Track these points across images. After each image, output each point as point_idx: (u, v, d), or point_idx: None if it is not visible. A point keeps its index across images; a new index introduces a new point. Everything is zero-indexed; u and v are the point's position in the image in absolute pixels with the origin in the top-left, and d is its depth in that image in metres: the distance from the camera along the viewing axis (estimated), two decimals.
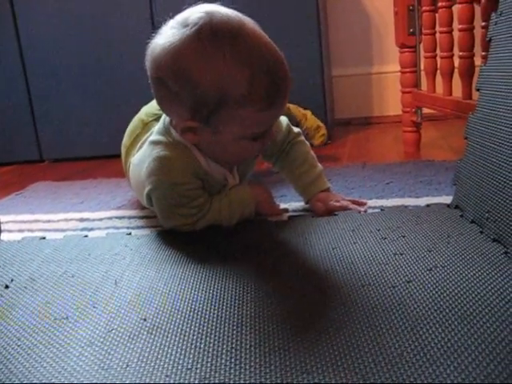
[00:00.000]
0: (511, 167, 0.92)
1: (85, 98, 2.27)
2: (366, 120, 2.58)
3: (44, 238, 1.22)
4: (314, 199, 1.24)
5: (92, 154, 2.30)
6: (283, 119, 1.26)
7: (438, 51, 1.67)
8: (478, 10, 1.44)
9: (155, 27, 1.07)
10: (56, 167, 2.25)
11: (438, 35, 1.65)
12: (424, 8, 1.70)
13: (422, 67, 1.80)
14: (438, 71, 1.68)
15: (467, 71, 1.48)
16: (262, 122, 1.06)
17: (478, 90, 1.11)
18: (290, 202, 1.33)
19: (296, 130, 1.30)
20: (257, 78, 0.99)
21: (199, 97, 1.01)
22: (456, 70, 1.56)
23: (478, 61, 1.44)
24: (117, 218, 1.36)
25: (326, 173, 1.55)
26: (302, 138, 1.30)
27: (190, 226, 1.13)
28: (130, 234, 1.20)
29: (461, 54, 1.49)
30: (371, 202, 1.26)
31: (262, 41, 1.03)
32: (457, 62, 1.54)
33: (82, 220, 1.38)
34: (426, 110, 1.86)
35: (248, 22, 1.04)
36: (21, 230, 1.33)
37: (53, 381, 0.66)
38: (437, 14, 1.65)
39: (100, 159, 2.25)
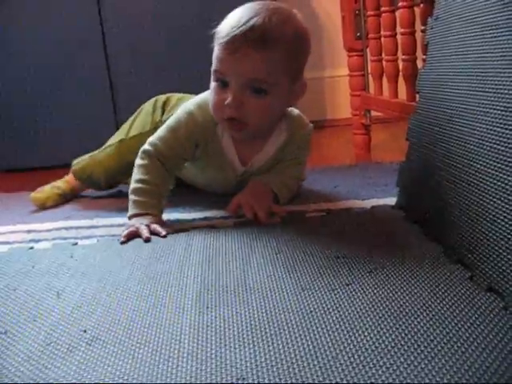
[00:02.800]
0: (447, 168, 0.93)
1: (35, 107, 2.24)
2: (319, 123, 2.59)
3: None
4: (245, 189, 1.28)
5: (45, 164, 2.26)
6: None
7: (383, 55, 1.69)
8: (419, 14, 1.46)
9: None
10: (8, 178, 2.22)
11: (382, 39, 1.67)
12: (369, 13, 1.73)
13: (370, 71, 1.82)
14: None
15: (410, 74, 1.50)
16: (221, 60, 1.15)
17: (417, 92, 1.13)
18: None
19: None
20: (235, 22, 1.11)
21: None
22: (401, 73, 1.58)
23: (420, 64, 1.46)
24: (65, 228, 1.34)
25: None
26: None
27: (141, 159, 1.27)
28: (76, 244, 1.19)
29: (404, 57, 1.51)
30: (317, 206, 1.27)
31: (278, 10, 1.15)
32: (401, 65, 1.56)
33: (29, 231, 1.36)
34: (376, 112, 1.88)
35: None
36: None
37: None
38: (381, 19, 1.67)
39: (54, 169, 2.22)
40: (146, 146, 1.26)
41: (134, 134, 1.49)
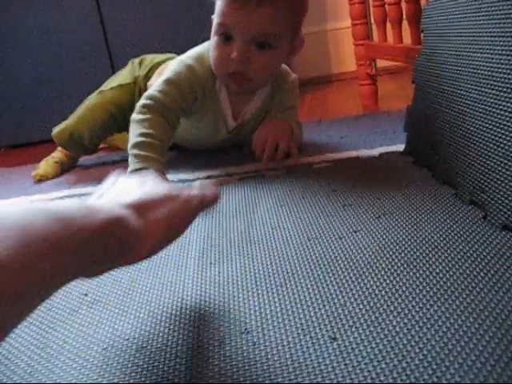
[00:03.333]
0: (457, 106, 0.89)
1: (38, 84, 2.21)
2: (325, 78, 2.54)
3: None
4: (266, 124, 1.29)
5: (48, 137, 2.24)
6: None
7: None
8: None
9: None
10: (11, 154, 2.20)
11: None
12: None
13: (373, 18, 1.76)
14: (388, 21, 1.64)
15: (414, 16, 1.45)
16: (226, 14, 1.13)
17: (422, 31, 1.08)
18: (244, 164, 1.30)
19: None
20: None
21: None
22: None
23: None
24: (68, 196, 1.32)
25: None
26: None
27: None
28: None
29: None
30: (324, 157, 1.23)
31: None
32: (404, 8, 1.51)
33: (32, 202, 1.34)
34: (383, 64, 1.83)
35: None
36: None
37: None
38: None
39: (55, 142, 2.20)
40: (146, 101, 1.21)
41: (114, 85, 1.47)
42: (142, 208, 0.56)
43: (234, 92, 1.25)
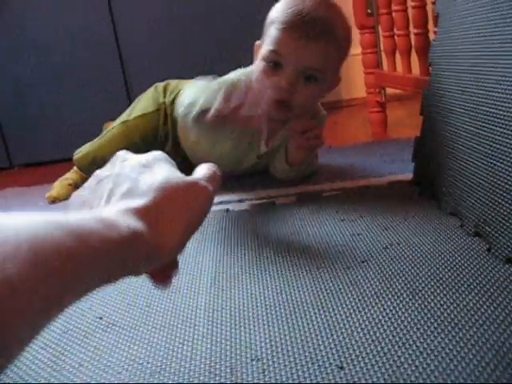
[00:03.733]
0: (463, 140, 0.92)
1: (50, 104, 2.24)
2: (335, 104, 2.57)
3: None
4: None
5: (62, 156, 2.27)
6: None
7: (395, 30, 1.67)
8: None
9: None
10: (26, 172, 2.23)
11: (394, 14, 1.64)
12: None
13: (382, 47, 1.80)
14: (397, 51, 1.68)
15: (423, 48, 1.48)
16: (282, 43, 1.17)
17: (430, 65, 1.11)
18: (256, 190, 1.32)
19: None
20: (298, 10, 1.15)
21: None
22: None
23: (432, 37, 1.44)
24: None
25: None
26: None
27: None
28: None
29: (415, 31, 1.49)
30: (333, 185, 1.25)
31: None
32: (413, 39, 1.54)
33: (44, 215, 1.36)
34: (391, 90, 1.86)
35: None
36: None
37: None
38: None
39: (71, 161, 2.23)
40: None
41: (137, 114, 1.49)
42: (156, 212, 0.53)
43: (273, 119, 1.27)
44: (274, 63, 1.18)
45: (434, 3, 1.31)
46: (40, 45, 2.19)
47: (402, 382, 0.54)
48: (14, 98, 2.24)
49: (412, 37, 1.54)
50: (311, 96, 1.22)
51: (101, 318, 0.78)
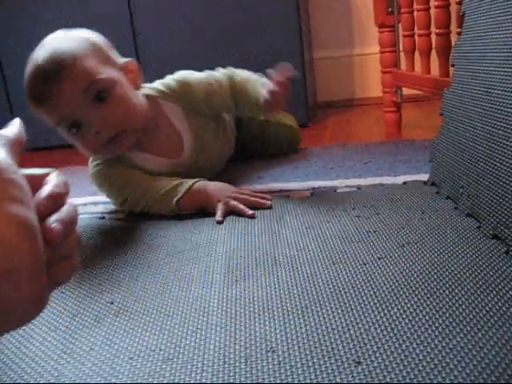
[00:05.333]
0: (485, 142, 0.91)
1: None
2: (348, 102, 2.56)
3: None
4: None
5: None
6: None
7: (416, 29, 1.65)
8: None
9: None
10: (34, 157, 2.22)
11: (415, 13, 1.63)
12: None
13: (401, 47, 1.78)
14: (417, 51, 1.66)
15: (444, 49, 1.46)
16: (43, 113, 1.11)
17: (452, 65, 1.10)
18: (268, 183, 1.31)
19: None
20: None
21: None
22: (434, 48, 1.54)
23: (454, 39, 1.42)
24: (92, 203, 1.34)
25: (305, 153, 1.56)
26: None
27: None
28: (103, 218, 1.18)
29: (437, 31, 1.47)
30: (349, 182, 1.24)
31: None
32: (434, 40, 1.52)
33: None
34: (407, 91, 1.84)
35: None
36: None
37: (13, 367, 0.64)
38: None
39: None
40: None
41: None
42: None
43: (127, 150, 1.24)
44: (70, 126, 1.11)
45: (458, 3, 1.30)
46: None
47: (420, 379, 0.53)
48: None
49: (433, 37, 1.53)
50: (120, 107, 1.12)
51: (112, 303, 0.77)
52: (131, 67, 1.20)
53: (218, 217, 1.07)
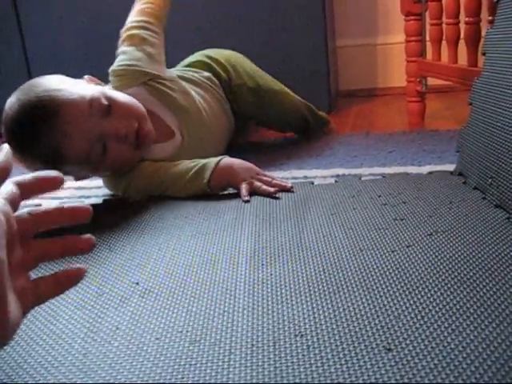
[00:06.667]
0: None
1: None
2: (371, 91, 2.54)
3: (40, 205, 1.20)
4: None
5: None
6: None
7: (443, 18, 1.63)
8: None
9: None
10: None
11: (444, 1, 1.61)
12: None
13: (427, 36, 1.76)
14: (444, 40, 1.64)
15: (473, 38, 1.45)
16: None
17: (483, 53, 1.08)
18: (291, 170, 1.31)
19: None
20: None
21: None
22: (462, 38, 1.52)
23: (483, 28, 1.41)
24: None
25: (328, 141, 1.55)
26: None
27: None
28: (122, 199, 1.18)
29: (467, 19, 1.45)
30: (373, 170, 1.23)
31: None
32: (462, 29, 1.50)
33: (79, 188, 1.36)
34: (431, 82, 1.82)
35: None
36: None
37: (40, 343, 0.64)
38: None
39: None
40: None
41: None
42: None
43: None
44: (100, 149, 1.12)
45: None
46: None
47: (452, 367, 0.52)
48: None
49: (462, 26, 1.51)
50: (124, 105, 1.16)
51: (137, 284, 0.77)
52: (91, 79, 1.22)
53: (245, 196, 1.08)
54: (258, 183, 1.11)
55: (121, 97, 1.17)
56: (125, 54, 1.30)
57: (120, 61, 1.30)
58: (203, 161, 1.16)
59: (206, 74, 1.47)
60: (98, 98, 1.10)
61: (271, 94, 1.54)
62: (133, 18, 1.34)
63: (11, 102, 1.07)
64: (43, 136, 1.05)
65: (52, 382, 0.57)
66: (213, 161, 1.15)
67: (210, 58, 1.52)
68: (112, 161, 1.14)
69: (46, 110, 1.05)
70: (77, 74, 1.20)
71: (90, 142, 1.09)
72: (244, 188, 1.10)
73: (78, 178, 1.19)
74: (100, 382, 0.56)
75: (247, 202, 1.06)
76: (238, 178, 1.13)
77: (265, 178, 1.13)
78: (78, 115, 1.07)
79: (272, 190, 1.09)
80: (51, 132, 1.05)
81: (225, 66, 1.51)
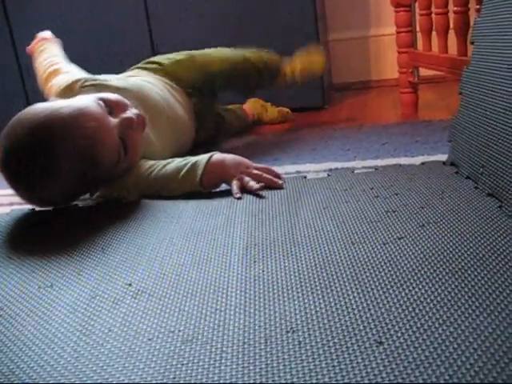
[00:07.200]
0: (506, 120, 0.89)
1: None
2: (364, 84, 2.54)
3: (33, 209, 1.19)
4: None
5: None
6: None
7: (433, 8, 1.63)
8: None
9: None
10: None
11: None
12: None
13: (418, 27, 1.76)
14: (434, 30, 1.64)
15: (462, 27, 1.45)
16: None
17: (472, 43, 1.08)
18: (284, 165, 1.31)
19: None
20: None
21: None
22: (451, 28, 1.52)
23: (472, 17, 1.40)
24: None
25: (322, 135, 1.55)
26: None
27: None
28: (117, 199, 1.18)
29: (455, 9, 1.45)
30: (366, 163, 1.23)
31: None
32: (452, 19, 1.50)
33: None
34: (422, 73, 1.82)
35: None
36: (11, 203, 1.31)
37: (33, 348, 0.64)
38: None
39: None
40: None
41: None
42: None
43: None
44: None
45: None
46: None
47: (443, 358, 0.52)
48: None
49: (450, 16, 1.50)
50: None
51: (130, 285, 0.77)
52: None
53: (236, 194, 1.08)
54: (246, 178, 1.11)
55: (109, 95, 1.18)
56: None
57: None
58: (194, 158, 1.16)
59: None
60: (100, 100, 1.12)
61: (203, 54, 1.65)
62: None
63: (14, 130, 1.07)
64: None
65: None
66: (204, 158, 1.15)
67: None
68: (132, 150, 1.15)
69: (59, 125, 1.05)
70: None
71: (115, 139, 1.10)
72: (235, 185, 1.10)
73: (92, 194, 1.21)
74: None
75: (239, 198, 1.06)
76: (228, 174, 1.12)
77: (254, 172, 1.13)
78: (99, 118, 1.08)
79: (257, 186, 1.09)
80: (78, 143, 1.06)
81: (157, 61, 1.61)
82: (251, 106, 1.94)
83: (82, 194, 1.17)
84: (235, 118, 1.80)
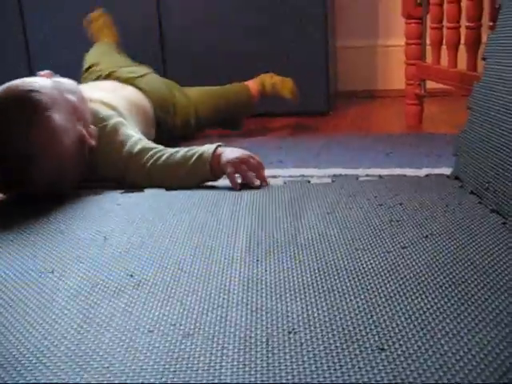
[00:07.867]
0: None
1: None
2: (370, 93, 2.54)
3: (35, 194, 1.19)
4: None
5: None
6: None
7: (444, 22, 1.63)
8: None
9: None
10: None
11: (445, 6, 1.61)
12: None
13: (428, 39, 1.76)
14: (444, 44, 1.65)
15: (473, 43, 1.45)
16: None
17: (483, 59, 1.08)
18: (288, 168, 1.31)
19: None
20: None
21: None
22: (461, 43, 1.53)
23: (484, 33, 1.41)
24: None
25: (326, 141, 1.55)
26: None
27: None
28: (123, 192, 1.18)
29: (468, 24, 1.45)
30: (370, 171, 1.23)
31: None
32: (463, 34, 1.51)
33: None
34: (430, 86, 1.83)
35: None
36: None
37: (33, 333, 0.64)
38: None
39: None
40: None
41: None
42: None
43: None
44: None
45: None
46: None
47: (445, 369, 0.52)
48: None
49: (462, 30, 1.51)
50: None
51: (131, 276, 0.77)
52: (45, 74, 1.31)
53: (234, 186, 1.13)
54: (230, 170, 1.14)
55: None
56: None
57: None
58: (199, 150, 1.18)
59: None
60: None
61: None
62: None
63: None
64: None
65: (44, 371, 0.57)
66: (210, 148, 1.17)
67: None
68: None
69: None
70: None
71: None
72: (230, 179, 1.14)
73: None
74: (92, 372, 0.56)
75: (237, 189, 1.12)
76: (225, 167, 1.15)
77: (241, 167, 1.15)
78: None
79: (234, 180, 1.14)
80: None
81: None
82: (258, 81, 1.85)
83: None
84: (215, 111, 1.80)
